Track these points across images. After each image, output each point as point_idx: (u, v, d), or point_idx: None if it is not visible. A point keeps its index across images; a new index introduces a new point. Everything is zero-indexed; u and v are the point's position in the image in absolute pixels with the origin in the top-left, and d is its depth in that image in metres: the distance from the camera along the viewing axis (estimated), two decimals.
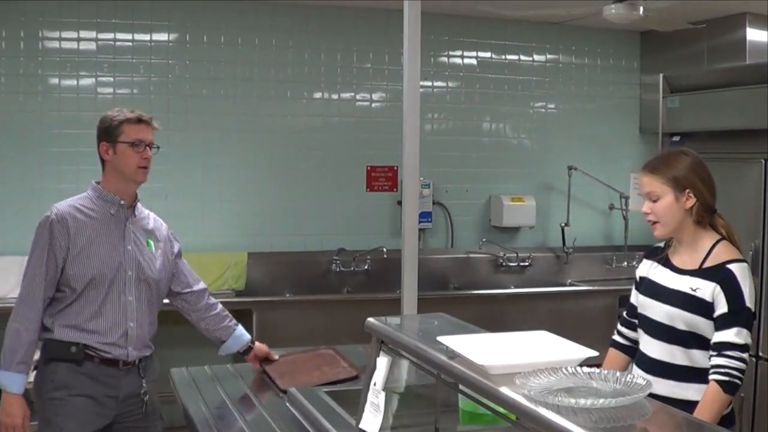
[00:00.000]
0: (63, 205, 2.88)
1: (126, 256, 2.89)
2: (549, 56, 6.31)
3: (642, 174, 2.74)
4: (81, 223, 2.84)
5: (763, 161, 4.44)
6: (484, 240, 6.03)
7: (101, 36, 5.32)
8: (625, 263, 6.15)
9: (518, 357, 1.83)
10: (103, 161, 2.95)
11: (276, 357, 3.31)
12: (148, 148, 2.92)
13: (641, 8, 4.35)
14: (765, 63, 4.78)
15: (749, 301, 2.57)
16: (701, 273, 2.63)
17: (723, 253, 2.64)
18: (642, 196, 2.76)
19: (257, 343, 3.33)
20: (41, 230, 2.84)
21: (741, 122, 4.70)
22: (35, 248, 2.85)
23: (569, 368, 1.73)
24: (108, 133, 2.90)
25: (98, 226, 2.87)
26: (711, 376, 2.53)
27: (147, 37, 5.40)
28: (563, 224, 6.16)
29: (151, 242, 3.02)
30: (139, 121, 2.92)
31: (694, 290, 2.62)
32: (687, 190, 2.65)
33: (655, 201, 2.69)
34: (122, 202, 2.93)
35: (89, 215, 2.87)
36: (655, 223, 2.71)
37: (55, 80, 5.25)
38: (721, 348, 2.54)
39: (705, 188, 2.68)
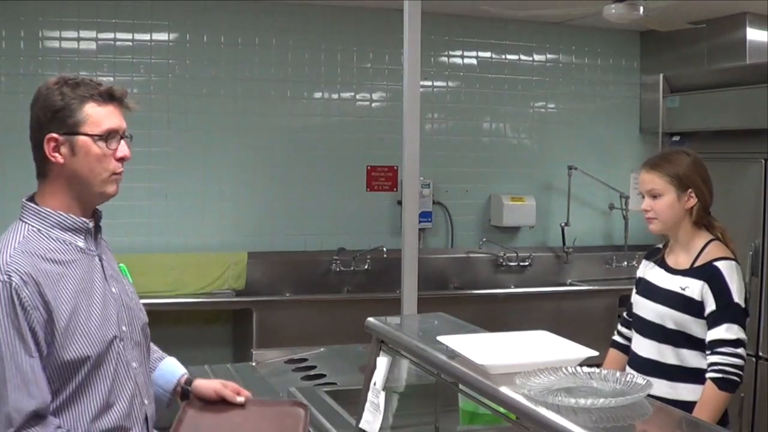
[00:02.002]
0: (15, 254, 1.75)
1: (117, 305, 1.90)
2: (549, 56, 6.30)
3: (643, 171, 2.74)
4: (54, 279, 1.77)
5: (763, 161, 4.44)
6: (484, 240, 6.03)
7: (101, 36, 5.31)
8: (625, 263, 6.14)
9: (518, 357, 1.84)
10: (44, 165, 1.84)
11: (236, 399, 2.11)
12: (123, 139, 1.88)
13: (641, 8, 4.35)
14: (765, 63, 4.78)
15: (737, 297, 2.57)
16: (691, 272, 2.65)
17: (713, 251, 2.65)
18: (642, 193, 2.76)
19: (200, 381, 2.15)
20: None
21: (741, 122, 4.71)
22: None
23: (569, 368, 1.73)
24: (60, 119, 1.80)
25: (76, 275, 1.82)
26: (707, 375, 2.54)
27: (147, 37, 5.40)
28: (563, 224, 6.16)
29: (123, 266, 2.04)
30: (111, 97, 1.87)
31: (684, 289, 2.63)
32: (689, 190, 2.66)
33: (655, 198, 2.70)
34: (90, 224, 1.89)
35: (56, 260, 1.80)
36: (653, 219, 2.72)
37: None
38: (714, 346, 2.55)
39: (706, 189, 2.69)
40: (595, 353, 1.84)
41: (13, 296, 1.70)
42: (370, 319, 2.39)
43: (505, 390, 1.69)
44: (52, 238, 1.82)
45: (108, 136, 1.83)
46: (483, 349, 1.87)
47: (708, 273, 2.60)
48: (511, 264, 6.02)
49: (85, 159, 1.82)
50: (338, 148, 5.80)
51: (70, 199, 1.85)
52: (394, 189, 5.87)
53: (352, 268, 5.68)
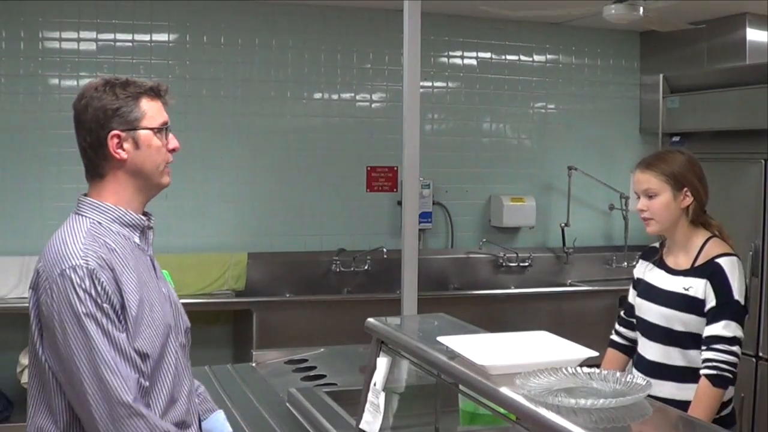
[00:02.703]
0: (87, 242, 1.80)
1: (169, 304, 1.96)
2: (549, 56, 6.30)
3: (638, 171, 2.74)
4: (120, 269, 1.81)
5: (763, 161, 4.44)
6: (484, 240, 6.03)
7: (101, 36, 5.32)
8: (625, 263, 6.14)
9: (518, 357, 1.83)
10: (104, 163, 1.89)
11: None
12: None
13: (641, 8, 4.34)
14: (765, 63, 4.78)
15: (738, 294, 2.56)
16: (693, 272, 2.64)
17: (713, 249, 2.64)
18: (637, 193, 2.76)
19: None
20: (77, 291, 1.73)
21: (741, 122, 4.71)
22: (80, 324, 1.72)
23: (569, 368, 1.73)
24: (121, 116, 1.86)
25: (137, 269, 1.86)
26: (701, 371, 2.54)
27: (147, 37, 5.40)
28: (563, 224, 6.16)
29: (166, 272, 2.09)
30: (158, 93, 1.95)
31: (687, 290, 2.62)
32: (685, 189, 2.66)
33: (651, 198, 2.69)
34: (145, 222, 1.96)
35: (120, 252, 1.84)
36: (649, 219, 2.71)
37: (55, 80, 5.25)
38: (710, 342, 2.54)
39: (701, 187, 2.69)
40: (595, 354, 1.83)
41: (93, 278, 1.75)
42: (370, 319, 2.39)
43: (505, 390, 1.69)
44: (113, 231, 1.87)
45: (162, 129, 1.93)
46: (483, 349, 1.87)
47: (710, 270, 2.59)
48: (511, 264, 6.02)
49: (148, 152, 1.91)
50: (338, 149, 5.80)
51: (131, 194, 1.92)
52: (394, 189, 5.87)
53: (352, 269, 5.68)
